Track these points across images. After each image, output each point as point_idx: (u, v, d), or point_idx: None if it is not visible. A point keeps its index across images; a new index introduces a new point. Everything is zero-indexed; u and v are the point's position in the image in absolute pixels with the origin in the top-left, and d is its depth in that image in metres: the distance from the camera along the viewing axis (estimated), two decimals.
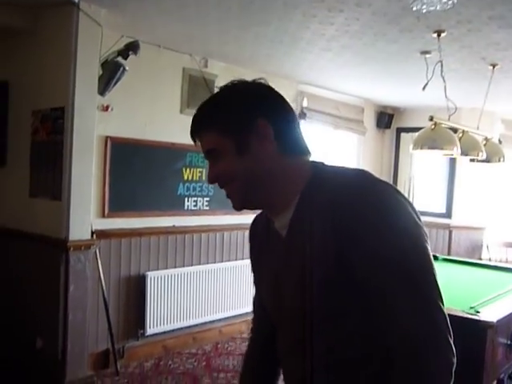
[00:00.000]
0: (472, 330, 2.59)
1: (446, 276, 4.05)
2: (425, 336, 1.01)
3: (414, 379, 1.02)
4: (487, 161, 4.22)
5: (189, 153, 4.58)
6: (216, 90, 1.20)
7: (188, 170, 4.62)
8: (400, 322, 1.03)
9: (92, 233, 3.68)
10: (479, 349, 2.58)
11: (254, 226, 1.34)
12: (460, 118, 4.27)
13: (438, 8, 2.99)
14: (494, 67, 4.24)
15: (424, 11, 3.06)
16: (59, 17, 3.53)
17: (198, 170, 4.69)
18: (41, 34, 3.70)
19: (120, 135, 4.12)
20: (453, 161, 6.39)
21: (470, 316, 2.69)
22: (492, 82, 4.37)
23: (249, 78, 1.20)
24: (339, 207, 1.05)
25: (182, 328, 4.62)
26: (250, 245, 1.36)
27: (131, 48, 3.69)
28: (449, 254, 6.15)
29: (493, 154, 4.28)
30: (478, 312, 2.74)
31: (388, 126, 6.97)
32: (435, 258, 4.60)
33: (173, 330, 4.56)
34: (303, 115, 5.45)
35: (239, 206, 1.18)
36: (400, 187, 6.94)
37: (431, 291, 1.05)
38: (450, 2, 2.89)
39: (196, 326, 4.74)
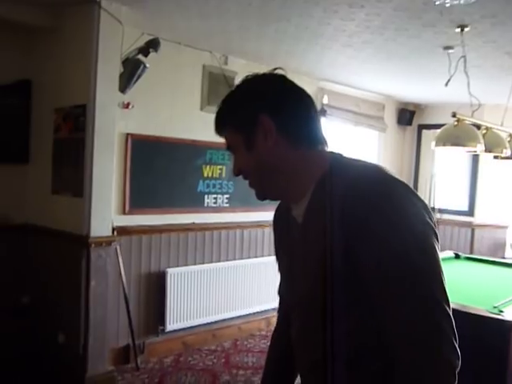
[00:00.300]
0: (496, 330, 2.56)
1: (468, 275, 4.00)
2: (426, 337, 1.01)
3: (414, 379, 1.01)
4: None
5: (209, 150, 4.59)
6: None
7: (208, 167, 4.63)
8: (401, 320, 1.03)
9: (113, 229, 3.71)
10: (503, 348, 2.54)
11: (277, 214, 1.37)
12: (483, 114, 4.20)
13: (462, 2, 2.94)
14: None
15: (447, 5, 3.01)
16: (81, 15, 3.56)
17: (218, 167, 4.70)
18: (63, 33, 3.74)
19: (140, 132, 4.14)
20: (475, 158, 6.30)
21: (493, 315, 2.65)
22: None
23: None
24: (351, 199, 1.06)
25: (201, 325, 4.63)
26: (273, 232, 1.39)
27: (152, 45, 3.70)
28: (471, 252, 6.06)
29: None
30: (501, 311, 2.69)
31: (409, 122, 6.89)
32: (457, 256, 4.53)
33: (192, 327, 4.58)
34: (323, 112, 5.42)
35: (259, 197, 1.22)
36: (421, 185, 6.87)
37: (436, 292, 1.03)
38: None
39: (215, 322, 4.75)
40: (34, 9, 3.62)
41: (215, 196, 4.71)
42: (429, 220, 1.08)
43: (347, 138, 6.10)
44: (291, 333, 1.29)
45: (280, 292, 1.44)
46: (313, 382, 1.23)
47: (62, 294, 3.73)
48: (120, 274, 3.97)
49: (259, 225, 4.91)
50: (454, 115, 3.43)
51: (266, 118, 1.14)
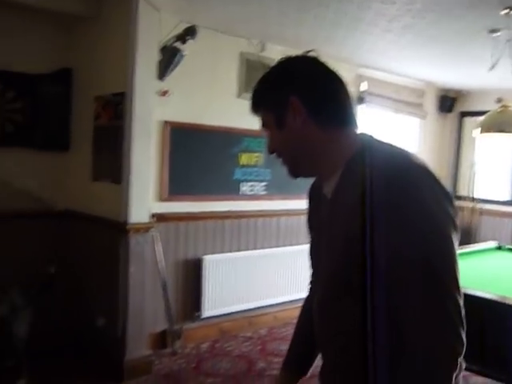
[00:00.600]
0: None
1: (510, 266, 3.89)
2: (433, 323, 1.05)
3: (418, 361, 1.05)
4: None
5: (245, 137, 4.58)
6: None
7: (244, 154, 4.62)
8: (411, 305, 1.06)
9: (151, 216, 3.75)
10: None
11: (311, 189, 1.41)
12: None
13: None
14: None
15: None
16: (120, 3, 3.59)
17: (255, 154, 4.68)
18: (102, 21, 3.78)
19: (178, 120, 4.16)
20: None
21: None
22: None
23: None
24: (376, 182, 1.09)
25: (237, 312, 4.66)
26: (307, 206, 1.43)
27: (189, 33, 3.71)
28: None
29: None
30: None
31: (450, 109, 6.71)
32: (499, 247, 4.41)
33: (229, 314, 4.60)
34: (362, 99, 5.34)
35: (291, 174, 1.28)
36: (462, 174, 6.71)
37: (447, 281, 1.06)
38: None
39: (251, 310, 4.76)
40: None
41: (252, 184, 4.71)
42: (449, 209, 1.10)
43: (387, 126, 5.99)
44: (313, 303, 1.33)
45: (310, 265, 1.48)
46: (330, 352, 1.27)
47: (102, 279, 3.81)
48: (158, 260, 4.02)
49: (296, 213, 4.88)
50: (499, 100, 3.33)
51: (296, 99, 1.19)
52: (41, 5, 3.53)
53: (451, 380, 1.06)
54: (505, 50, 3.50)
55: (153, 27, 3.57)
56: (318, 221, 1.31)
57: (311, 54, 1.27)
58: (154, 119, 3.72)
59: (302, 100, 1.19)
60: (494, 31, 3.72)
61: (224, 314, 4.57)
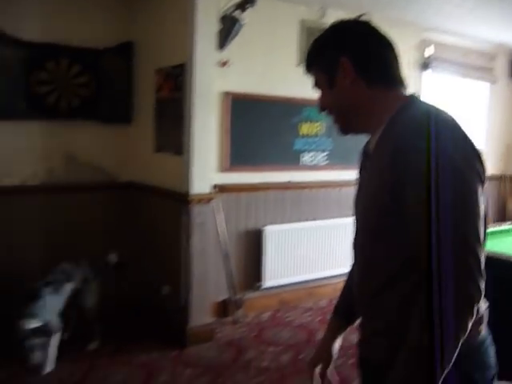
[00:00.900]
0: None
1: None
2: (451, 270, 1.07)
3: (434, 308, 1.07)
4: None
5: (306, 107, 4.50)
6: None
7: (305, 124, 4.56)
8: (426, 249, 1.08)
9: (212, 187, 3.78)
10: None
11: (362, 148, 1.44)
12: None
13: None
14: None
15: None
16: None
17: (316, 124, 4.61)
18: None
19: (238, 90, 4.14)
20: None
21: None
22: None
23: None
24: (405, 129, 1.16)
25: (298, 282, 4.66)
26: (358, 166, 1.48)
27: (248, 1, 3.65)
28: None
29: None
30: None
31: None
32: None
33: (289, 284, 4.62)
34: (427, 64, 5.12)
35: (341, 132, 1.36)
36: None
37: (468, 233, 1.08)
38: None
39: (312, 281, 4.76)
40: None
41: (312, 154, 4.64)
42: (478, 167, 1.13)
43: (454, 93, 5.73)
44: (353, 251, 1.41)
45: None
46: (360, 296, 1.35)
47: (165, 248, 3.89)
48: (219, 230, 4.07)
49: None
50: None
51: (346, 59, 1.26)
52: None
53: (467, 328, 1.08)
54: None
55: None
56: (362, 174, 1.39)
57: (363, 17, 1.33)
58: (214, 90, 3.72)
59: (352, 60, 1.26)
60: None
61: (284, 285, 4.59)
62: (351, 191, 4.78)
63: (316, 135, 4.63)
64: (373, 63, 1.28)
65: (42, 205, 3.85)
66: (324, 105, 1.35)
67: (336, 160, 4.75)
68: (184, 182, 3.62)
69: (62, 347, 3.32)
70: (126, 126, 4.14)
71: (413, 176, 1.11)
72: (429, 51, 5.17)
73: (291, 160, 4.53)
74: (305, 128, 4.56)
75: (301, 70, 4.47)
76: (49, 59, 3.74)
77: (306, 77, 1.40)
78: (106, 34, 3.96)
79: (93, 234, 4.06)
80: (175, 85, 3.67)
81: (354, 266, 1.38)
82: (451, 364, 1.08)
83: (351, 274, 1.50)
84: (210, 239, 3.78)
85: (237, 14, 3.67)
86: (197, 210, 3.64)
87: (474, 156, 1.13)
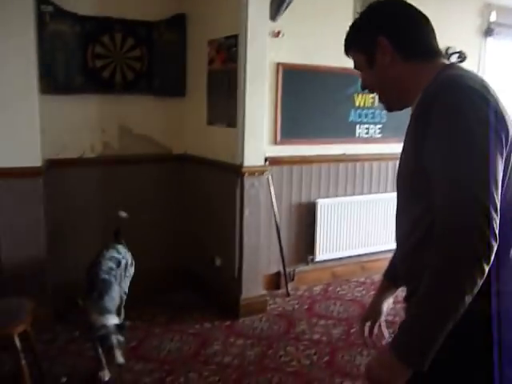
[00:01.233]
0: None
1: None
2: (458, 228, 1.11)
3: (440, 256, 1.13)
4: None
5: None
6: None
7: (360, 95, 4.44)
8: (439, 203, 1.16)
9: (265, 159, 3.76)
10: None
11: None
12: None
13: None
14: None
15: None
16: None
17: (371, 95, 4.48)
18: None
19: (291, 61, 4.07)
20: None
21: None
22: None
23: None
24: (426, 100, 1.23)
25: (350, 256, 4.62)
26: None
27: None
28: None
29: None
30: None
31: None
32: None
33: (341, 258, 4.59)
34: (490, 31, 4.87)
35: (387, 109, 1.45)
36: None
37: (476, 190, 1.10)
38: None
39: (365, 255, 4.70)
40: None
41: (367, 126, 4.53)
42: (499, 129, 1.15)
43: None
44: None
45: None
46: (399, 253, 1.44)
47: (218, 220, 3.93)
48: (272, 203, 4.06)
49: None
50: None
51: (384, 38, 1.31)
52: None
53: (473, 283, 1.11)
54: None
55: None
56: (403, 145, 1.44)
57: None
58: (267, 61, 3.66)
59: (390, 39, 1.31)
60: None
61: (337, 259, 4.56)
62: None
63: (370, 107, 4.51)
64: (409, 38, 1.34)
65: (98, 178, 3.94)
66: (366, 84, 1.42)
67: (390, 133, 4.62)
68: (237, 155, 3.62)
69: None
70: (179, 98, 4.15)
71: (432, 134, 1.18)
72: (492, 17, 4.90)
73: (346, 132, 4.43)
74: (360, 99, 4.45)
75: None
76: (104, 33, 3.78)
77: None
78: (159, 6, 3.96)
79: (147, 207, 4.14)
80: (228, 56, 3.64)
81: (396, 228, 1.45)
82: (456, 317, 1.13)
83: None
84: (262, 212, 3.78)
85: None
86: (249, 183, 3.64)
87: (498, 121, 1.16)
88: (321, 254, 4.43)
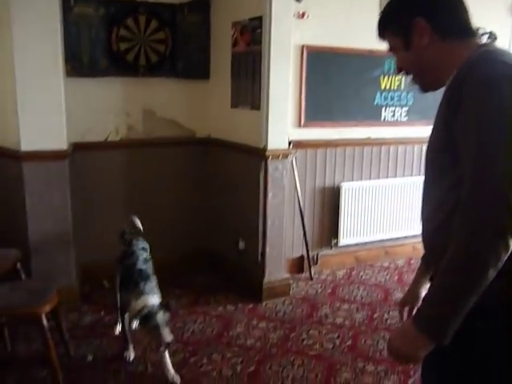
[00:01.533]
0: None
1: None
2: (487, 200, 1.11)
3: (465, 228, 1.14)
4: None
5: (387, 59, 4.30)
6: None
7: (386, 78, 4.36)
8: (467, 176, 1.15)
9: (289, 143, 3.74)
10: None
11: None
12: None
13: None
14: None
15: None
16: None
17: (397, 77, 4.40)
18: None
19: (315, 43, 4.01)
20: None
21: None
22: None
23: None
24: (459, 75, 1.23)
25: (374, 241, 4.59)
26: None
27: None
28: None
29: None
30: None
31: None
32: None
33: (365, 243, 4.56)
34: None
35: (422, 90, 1.42)
36: None
37: (503, 166, 1.10)
38: None
39: (389, 240, 4.66)
40: None
41: (393, 109, 4.46)
42: None
43: None
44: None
45: None
46: (424, 230, 1.45)
47: (242, 204, 3.93)
48: (295, 186, 4.04)
49: None
50: None
51: (421, 19, 1.30)
52: None
53: (498, 257, 1.10)
54: None
55: None
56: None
57: None
58: (291, 43, 3.62)
59: (427, 19, 1.30)
60: None
61: (360, 243, 4.53)
62: None
63: (396, 89, 4.43)
64: (446, 17, 1.32)
65: (123, 161, 3.97)
66: (402, 67, 1.40)
67: (416, 116, 4.54)
68: (261, 138, 3.60)
69: None
70: (203, 81, 4.14)
71: (463, 107, 1.17)
72: None
73: (371, 115, 4.37)
74: (386, 82, 4.37)
75: None
76: (128, 16, 3.78)
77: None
78: None
79: (171, 190, 4.16)
80: (252, 38, 3.61)
81: (423, 204, 1.45)
82: (479, 291, 1.13)
83: None
84: (286, 195, 3.77)
85: None
86: (273, 166, 3.63)
87: None
88: (345, 238, 4.41)
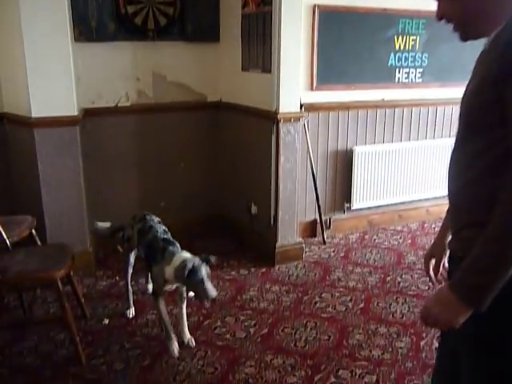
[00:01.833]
0: None
1: None
2: None
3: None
4: None
5: (401, 19, 4.17)
6: None
7: (400, 38, 4.23)
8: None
9: (301, 105, 3.69)
10: None
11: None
12: None
13: None
14: None
15: None
16: None
17: (412, 37, 4.27)
18: None
19: (328, 2, 3.90)
20: None
21: None
22: None
23: None
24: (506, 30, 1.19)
25: (387, 205, 4.56)
26: None
27: None
28: None
29: None
30: None
31: None
32: None
33: (378, 206, 4.54)
34: None
35: (462, 38, 1.34)
36: None
37: None
38: None
39: (402, 203, 4.63)
40: None
41: (407, 70, 4.35)
42: None
43: None
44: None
45: None
46: (450, 187, 1.39)
47: (254, 168, 3.91)
48: (308, 150, 4.01)
49: (454, 102, 4.46)
50: None
51: None
52: None
53: None
54: None
55: None
56: (473, 73, 1.37)
57: None
58: (302, 3, 3.52)
59: None
60: None
61: (373, 207, 4.52)
62: (447, 110, 4.50)
63: (411, 50, 4.31)
64: None
65: (134, 126, 3.95)
66: (444, 14, 1.32)
67: (431, 77, 4.44)
68: (272, 101, 3.55)
69: None
70: (213, 44, 4.07)
71: None
72: None
73: (385, 77, 4.27)
74: (400, 42, 4.26)
75: None
76: None
77: None
78: None
79: (182, 155, 4.15)
80: None
81: (451, 162, 1.40)
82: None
83: None
84: (298, 159, 3.74)
85: None
86: (285, 129, 3.59)
87: None
88: (357, 202, 4.39)
